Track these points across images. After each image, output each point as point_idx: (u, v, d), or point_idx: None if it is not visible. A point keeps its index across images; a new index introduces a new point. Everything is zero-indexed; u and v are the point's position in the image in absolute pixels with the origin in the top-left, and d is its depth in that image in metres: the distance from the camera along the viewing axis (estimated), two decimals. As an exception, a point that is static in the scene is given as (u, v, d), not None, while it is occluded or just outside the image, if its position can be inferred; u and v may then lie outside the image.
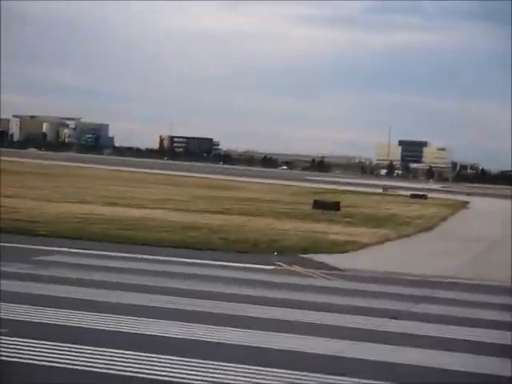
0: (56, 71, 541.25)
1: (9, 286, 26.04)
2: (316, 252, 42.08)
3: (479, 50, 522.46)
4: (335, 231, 54.83)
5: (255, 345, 20.03)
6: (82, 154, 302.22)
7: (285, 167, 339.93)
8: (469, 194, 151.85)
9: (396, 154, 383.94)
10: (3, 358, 17.14)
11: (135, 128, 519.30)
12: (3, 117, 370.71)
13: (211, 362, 17.78)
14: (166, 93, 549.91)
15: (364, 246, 47.45)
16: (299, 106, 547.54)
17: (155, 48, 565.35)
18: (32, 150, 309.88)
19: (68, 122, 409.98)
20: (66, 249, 37.17)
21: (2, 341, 18.47)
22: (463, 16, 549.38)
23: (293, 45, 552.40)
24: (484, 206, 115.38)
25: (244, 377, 17.00)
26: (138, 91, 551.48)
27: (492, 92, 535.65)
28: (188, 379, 16.60)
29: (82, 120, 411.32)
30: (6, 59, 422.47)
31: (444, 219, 79.39)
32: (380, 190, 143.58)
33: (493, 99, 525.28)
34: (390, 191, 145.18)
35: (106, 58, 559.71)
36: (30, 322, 21.18)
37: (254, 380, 16.85)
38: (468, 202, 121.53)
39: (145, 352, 18.28)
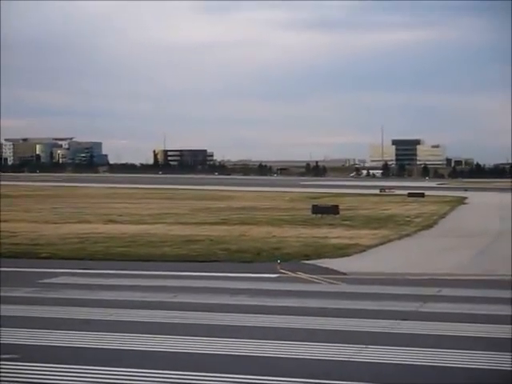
0: (43, 92, 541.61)
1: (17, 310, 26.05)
2: (319, 257, 42.16)
3: (464, 46, 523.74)
4: (336, 235, 54.87)
5: (267, 355, 20.02)
6: (77, 174, 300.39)
7: (275, 175, 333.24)
8: (465, 190, 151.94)
9: (390, 153, 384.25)
10: None
11: (128, 144, 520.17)
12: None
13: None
14: (156, 107, 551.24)
15: (366, 248, 47.52)
16: (289, 111, 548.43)
17: (141, 63, 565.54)
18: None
19: (61, 142, 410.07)
20: (69, 270, 37.15)
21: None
22: (447, 12, 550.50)
23: (279, 50, 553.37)
24: (481, 201, 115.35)
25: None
26: (127, 108, 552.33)
27: (482, 87, 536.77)
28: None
29: (74, 139, 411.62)
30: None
31: (443, 216, 79.52)
32: (377, 191, 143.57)
33: (483, 94, 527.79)
34: (387, 191, 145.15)
35: (93, 76, 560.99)
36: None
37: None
38: (465, 198, 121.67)
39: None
